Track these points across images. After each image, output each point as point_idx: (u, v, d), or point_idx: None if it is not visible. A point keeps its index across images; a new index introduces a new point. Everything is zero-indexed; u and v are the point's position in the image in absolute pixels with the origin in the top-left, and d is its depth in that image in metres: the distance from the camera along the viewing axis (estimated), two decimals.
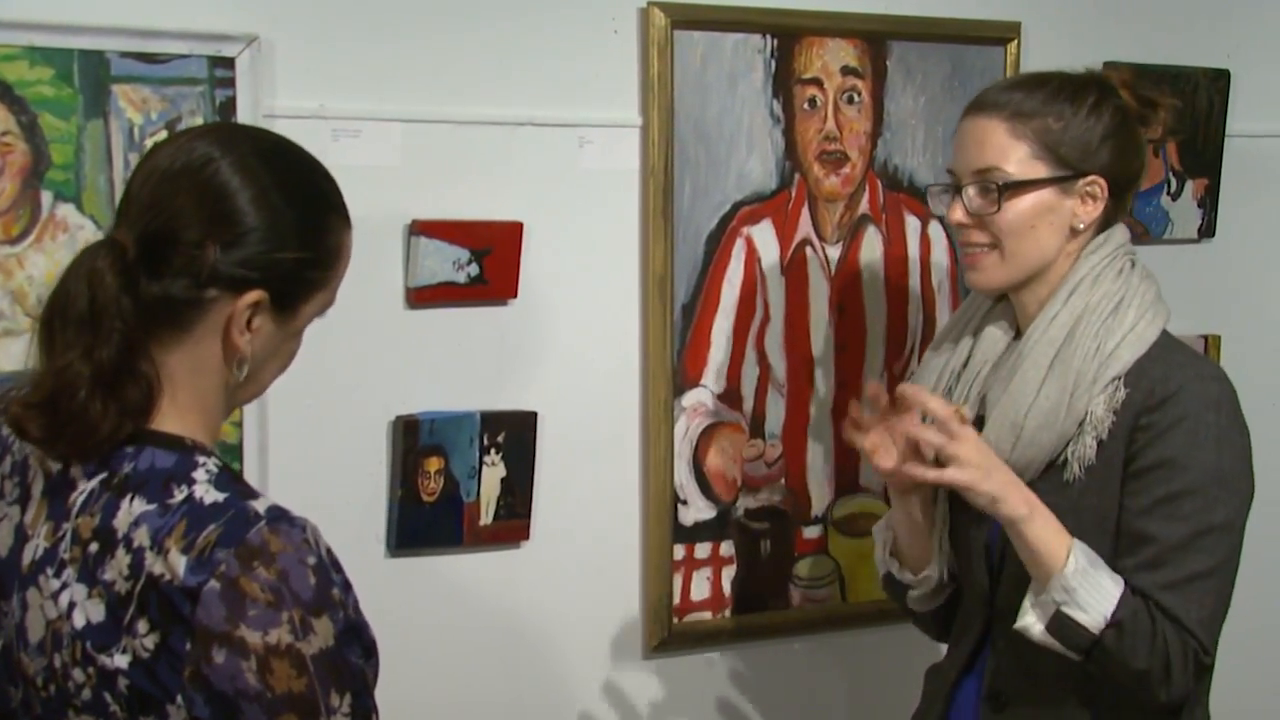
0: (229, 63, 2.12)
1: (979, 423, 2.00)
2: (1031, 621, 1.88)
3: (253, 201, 1.42)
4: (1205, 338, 2.94)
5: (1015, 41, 2.71)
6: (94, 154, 2.06)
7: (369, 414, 2.29)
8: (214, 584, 1.33)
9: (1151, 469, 1.88)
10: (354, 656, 1.39)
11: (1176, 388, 1.89)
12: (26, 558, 1.43)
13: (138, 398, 1.41)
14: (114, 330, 1.39)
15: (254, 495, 1.41)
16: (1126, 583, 1.86)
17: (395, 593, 2.29)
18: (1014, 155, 1.95)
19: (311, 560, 1.37)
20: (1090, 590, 1.84)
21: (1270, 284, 3.06)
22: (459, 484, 2.33)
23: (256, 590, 1.33)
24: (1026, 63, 2.71)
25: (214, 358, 1.46)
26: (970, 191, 1.97)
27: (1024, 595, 1.93)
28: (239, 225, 1.42)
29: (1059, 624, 1.85)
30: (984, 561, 2.03)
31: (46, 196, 2.05)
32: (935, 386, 2.09)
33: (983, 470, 1.87)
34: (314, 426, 2.24)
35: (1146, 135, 2.02)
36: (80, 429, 1.39)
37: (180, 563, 1.34)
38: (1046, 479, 1.95)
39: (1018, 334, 2.04)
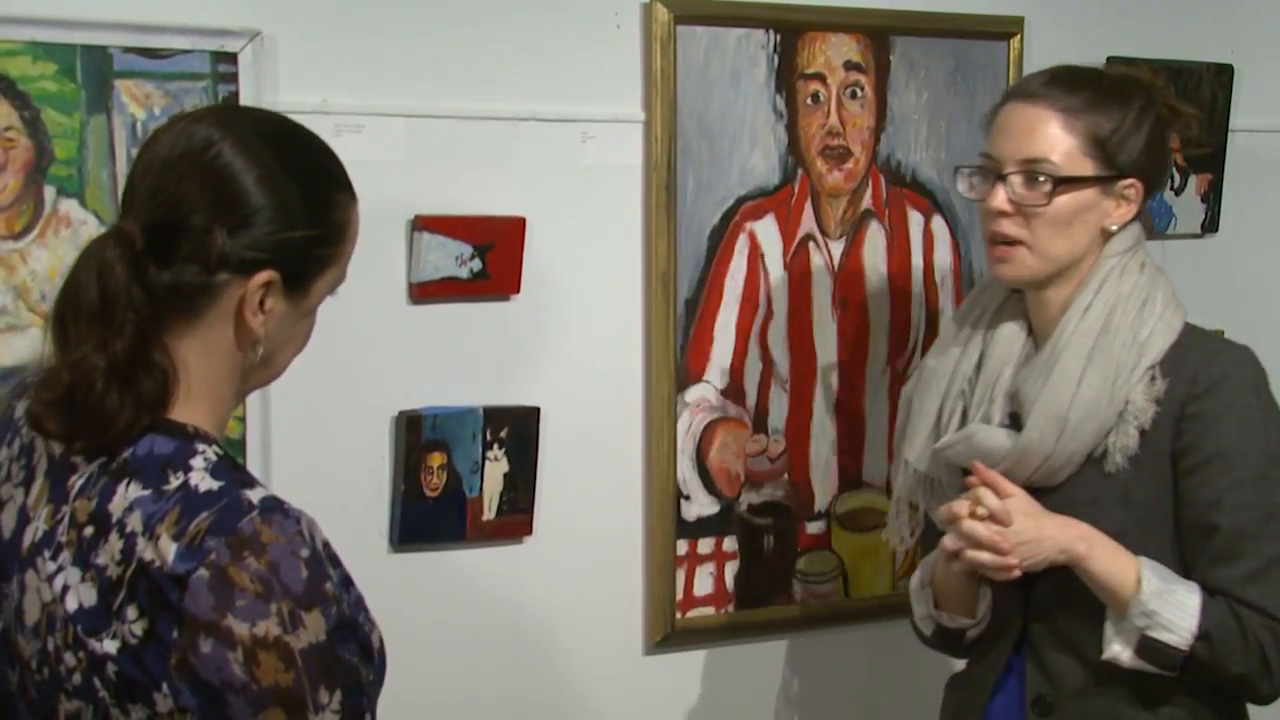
0: (232, 58, 2.12)
1: (1014, 421, 1.98)
2: (1119, 650, 1.87)
3: (258, 182, 1.42)
4: None
5: (1019, 36, 2.71)
6: (97, 149, 2.06)
7: (372, 409, 2.29)
8: (203, 572, 1.32)
9: (1209, 460, 1.88)
10: (347, 653, 1.38)
11: (1220, 374, 1.90)
12: (27, 539, 1.43)
13: (154, 389, 1.40)
14: (127, 321, 1.38)
15: (251, 485, 1.40)
16: (1203, 584, 1.86)
17: (398, 588, 2.29)
18: (1064, 149, 1.93)
19: (304, 553, 1.36)
20: (1171, 608, 1.84)
21: (1273, 279, 3.05)
22: (462, 479, 2.33)
23: (245, 580, 1.32)
24: (1030, 58, 2.71)
25: (226, 342, 1.45)
26: (1016, 180, 1.95)
27: (1062, 595, 1.93)
28: (245, 207, 1.41)
29: (1147, 648, 1.85)
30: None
31: (49, 192, 2.05)
32: (948, 390, 2.07)
33: (1033, 540, 1.88)
34: (317, 422, 2.24)
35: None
36: (98, 423, 1.39)
37: (171, 549, 1.33)
38: (1086, 472, 1.94)
39: (1030, 332, 2.03)
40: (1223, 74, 2.92)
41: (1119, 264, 1.96)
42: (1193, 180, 2.94)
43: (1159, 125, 1.98)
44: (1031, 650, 2.01)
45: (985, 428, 2.00)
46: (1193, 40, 2.89)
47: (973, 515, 1.93)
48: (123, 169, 2.06)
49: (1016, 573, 1.91)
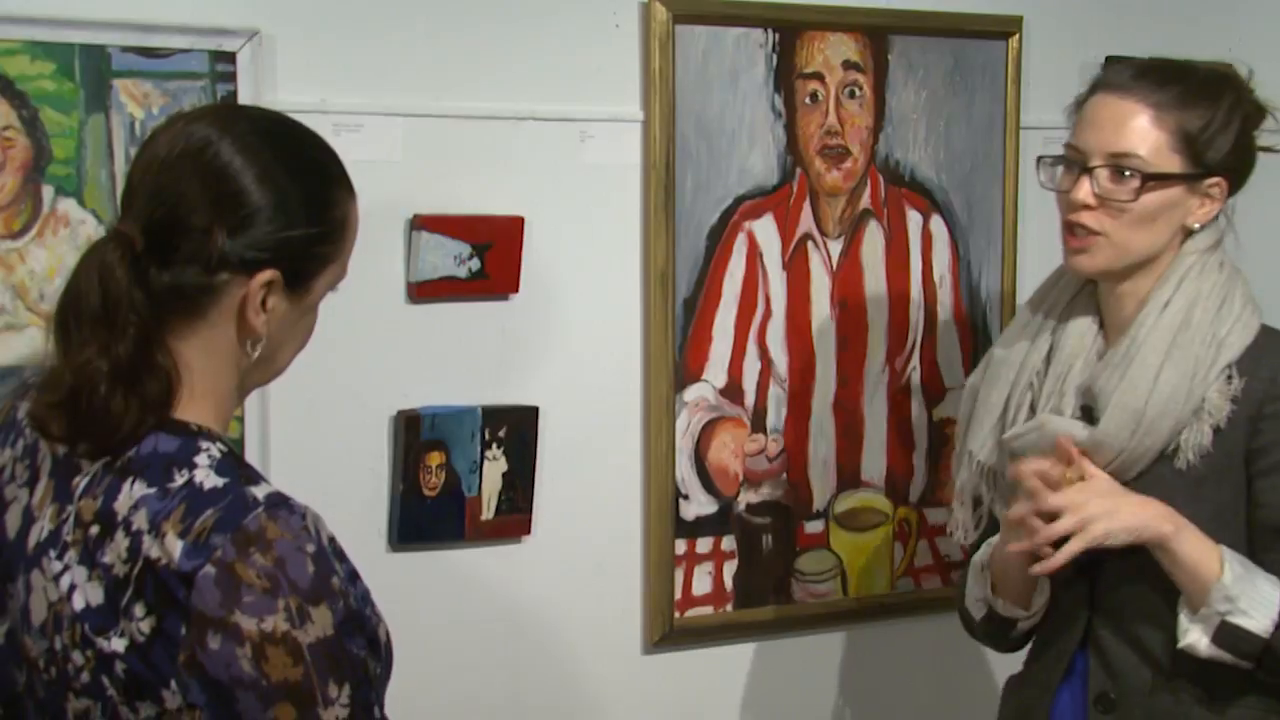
0: (230, 57, 2.12)
1: (1087, 414, 1.97)
2: (1196, 637, 1.85)
3: (256, 181, 1.41)
4: None
5: (1017, 35, 2.71)
6: (95, 148, 2.06)
7: (370, 409, 2.29)
8: (210, 569, 1.32)
9: None
10: (356, 648, 1.38)
11: None
12: (32, 540, 1.43)
13: (157, 391, 1.40)
14: (129, 324, 1.38)
15: (256, 481, 1.40)
16: None
17: (397, 587, 2.28)
18: (1153, 144, 1.90)
19: (310, 548, 1.36)
20: (1252, 595, 1.82)
21: (1266, 277, 3.04)
22: (460, 479, 2.33)
23: (252, 576, 1.33)
24: (1028, 57, 2.71)
25: (228, 341, 1.45)
26: (1102, 174, 1.92)
27: (1128, 591, 1.92)
28: (245, 206, 1.41)
29: (1226, 634, 1.83)
30: (1083, 565, 1.98)
31: (48, 191, 2.04)
32: (1016, 381, 2.05)
33: (1107, 513, 1.85)
34: (315, 421, 2.24)
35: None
36: (103, 426, 1.39)
37: (177, 547, 1.33)
38: (1157, 468, 1.93)
39: (1101, 326, 2.01)
40: None
41: (1199, 261, 1.94)
42: None
43: (1247, 123, 1.95)
44: (1095, 647, 1.99)
45: (1058, 418, 1.97)
46: (1191, 38, 2.88)
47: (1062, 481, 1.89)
48: (121, 168, 2.06)
49: (1083, 537, 1.85)
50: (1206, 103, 1.92)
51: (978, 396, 2.12)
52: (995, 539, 2.09)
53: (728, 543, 2.56)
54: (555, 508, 2.42)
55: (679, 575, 2.53)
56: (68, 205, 2.05)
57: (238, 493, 1.37)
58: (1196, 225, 1.94)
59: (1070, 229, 1.96)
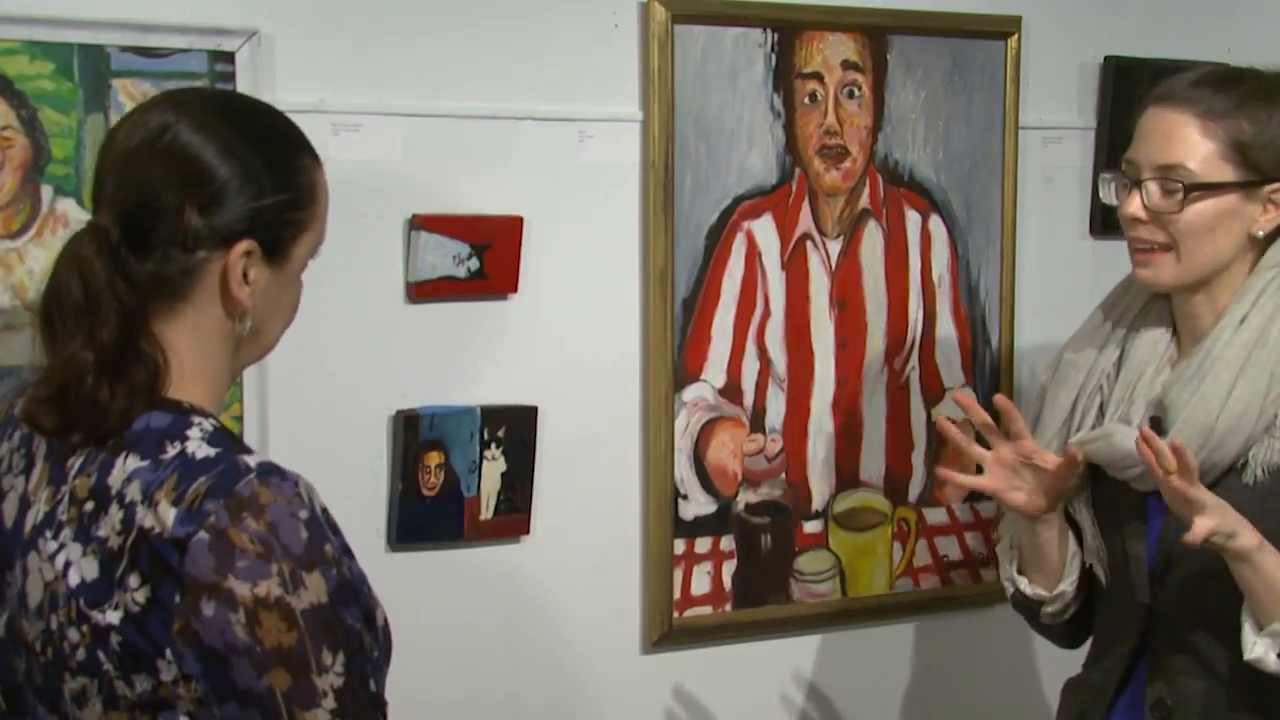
0: (229, 57, 2.12)
1: (1156, 425, 1.95)
2: (1263, 652, 1.83)
3: (219, 156, 1.43)
4: None
5: (1016, 35, 2.71)
6: (94, 148, 2.05)
7: (369, 408, 2.29)
8: (203, 535, 1.34)
9: None
10: (350, 618, 1.39)
11: None
12: (29, 523, 1.45)
13: (145, 377, 1.42)
14: (111, 313, 1.40)
15: (248, 451, 1.42)
16: None
17: (396, 587, 2.26)
18: (1201, 154, 1.89)
19: (303, 514, 1.37)
20: None
21: None
22: (459, 478, 2.33)
23: (245, 541, 1.34)
24: (1027, 57, 2.71)
25: (216, 320, 1.47)
26: (1152, 187, 1.92)
27: (1189, 600, 1.91)
28: (212, 182, 1.43)
29: None
30: (1144, 572, 1.99)
31: (47, 191, 2.05)
32: (1084, 385, 2.04)
33: (1220, 509, 1.82)
34: (314, 421, 2.24)
35: None
36: (92, 415, 1.40)
37: (170, 514, 1.35)
38: (1226, 482, 1.91)
39: (1174, 334, 2.00)
40: None
41: (1278, 275, 1.92)
42: None
43: None
44: (1152, 655, 1.98)
45: (1124, 428, 1.96)
46: (1190, 39, 2.89)
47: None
48: None
49: (1210, 524, 1.79)
50: (1262, 108, 1.90)
51: (1045, 397, 2.11)
52: (1011, 519, 2.09)
53: (726, 542, 2.56)
54: (554, 507, 2.42)
55: (678, 575, 2.53)
56: (67, 205, 2.05)
57: (230, 460, 1.38)
58: (1261, 233, 1.92)
59: (1132, 244, 1.96)
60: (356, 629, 1.40)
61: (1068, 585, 2.06)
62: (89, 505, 1.39)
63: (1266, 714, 1.91)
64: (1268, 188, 1.91)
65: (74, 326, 1.40)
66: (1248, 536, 1.82)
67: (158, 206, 1.42)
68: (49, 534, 1.42)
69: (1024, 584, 2.09)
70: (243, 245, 1.44)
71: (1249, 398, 1.88)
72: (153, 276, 1.43)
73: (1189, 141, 1.90)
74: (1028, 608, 2.13)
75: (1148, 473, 1.90)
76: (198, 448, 1.39)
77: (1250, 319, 1.91)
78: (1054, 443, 2.06)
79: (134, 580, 1.36)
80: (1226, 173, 1.90)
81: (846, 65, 2.58)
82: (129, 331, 1.41)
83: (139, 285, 1.42)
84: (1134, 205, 1.93)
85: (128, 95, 2.07)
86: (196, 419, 1.43)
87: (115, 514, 1.37)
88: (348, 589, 1.40)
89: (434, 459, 2.30)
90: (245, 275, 1.45)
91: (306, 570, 1.35)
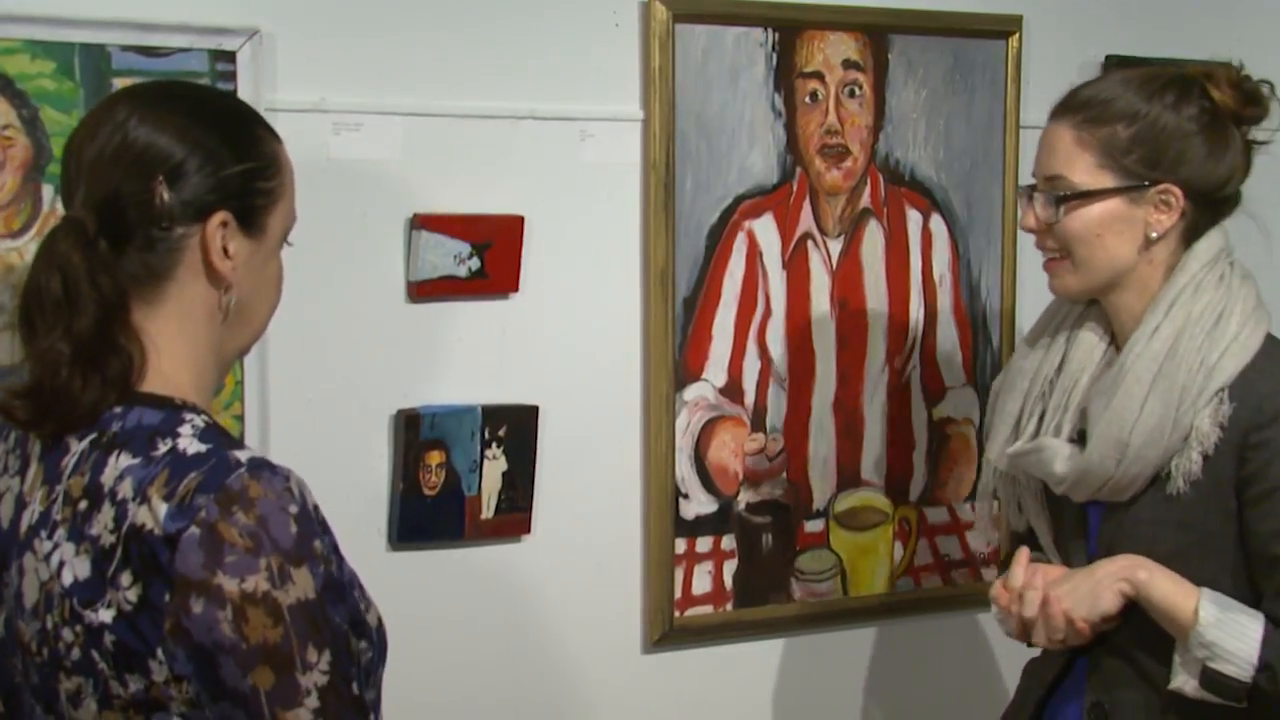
0: (230, 56, 2.12)
1: (1081, 438, 1.96)
2: (1184, 680, 1.84)
3: (174, 138, 1.46)
4: None
5: (1017, 35, 2.71)
6: None
7: (370, 408, 2.29)
8: (194, 530, 1.34)
9: (1272, 492, 1.85)
10: (337, 617, 1.39)
11: None
12: (24, 524, 1.45)
13: (119, 369, 1.43)
14: (90, 304, 1.41)
15: (239, 447, 1.42)
16: (1270, 615, 1.83)
17: (396, 586, 2.28)
18: (1080, 164, 1.92)
19: (293, 509, 1.38)
20: (1230, 639, 1.81)
21: (1263, 281, 3.04)
22: (460, 478, 2.33)
23: (235, 535, 1.34)
24: (1028, 56, 2.71)
25: (200, 298, 1.48)
26: (1039, 199, 1.95)
27: (1126, 615, 1.91)
28: (171, 161, 1.45)
29: (1209, 679, 1.82)
30: None
31: (48, 190, 2.04)
32: (1029, 391, 2.05)
33: (1087, 583, 1.90)
34: (315, 420, 2.24)
35: (1252, 133, 1.95)
36: (63, 406, 1.42)
37: (161, 510, 1.35)
38: (1149, 494, 1.92)
39: (1113, 339, 2.01)
40: None
41: (1194, 280, 1.91)
42: None
43: (1210, 120, 1.92)
44: (1091, 660, 2.00)
45: (1053, 442, 1.98)
46: (1192, 38, 2.89)
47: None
48: None
49: (1088, 632, 1.91)
50: (1139, 109, 1.91)
51: (996, 403, 2.13)
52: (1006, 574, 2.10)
53: (728, 542, 2.56)
54: (555, 507, 2.42)
55: (679, 574, 2.53)
56: None
57: (220, 455, 1.39)
58: (1156, 234, 1.92)
59: (1042, 253, 2.00)
60: (344, 629, 1.40)
61: None
62: (82, 504, 1.40)
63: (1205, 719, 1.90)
64: (1154, 189, 1.91)
65: (52, 320, 1.42)
66: (1134, 580, 1.88)
67: (127, 193, 1.44)
68: (44, 534, 1.42)
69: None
70: (217, 217, 1.47)
71: (1162, 411, 1.88)
72: (136, 263, 1.45)
73: (1067, 153, 1.93)
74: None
75: (1078, 485, 1.95)
76: (189, 444, 1.40)
77: (1162, 330, 1.91)
78: (1004, 450, 2.08)
79: (125, 579, 1.36)
80: (1105, 179, 1.91)
81: (847, 64, 2.58)
82: (106, 323, 1.43)
83: (119, 272, 1.44)
84: (1027, 218, 1.98)
85: None
86: (189, 415, 1.44)
87: (107, 512, 1.38)
88: (336, 588, 1.40)
89: (435, 458, 2.30)
90: (226, 250, 1.47)
91: (295, 565, 1.36)
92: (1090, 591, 1.90)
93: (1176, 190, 1.91)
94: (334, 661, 1.37)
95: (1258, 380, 1.87)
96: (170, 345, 1.47)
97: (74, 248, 1.42)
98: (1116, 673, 1.97)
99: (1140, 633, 1.93)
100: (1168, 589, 1.86)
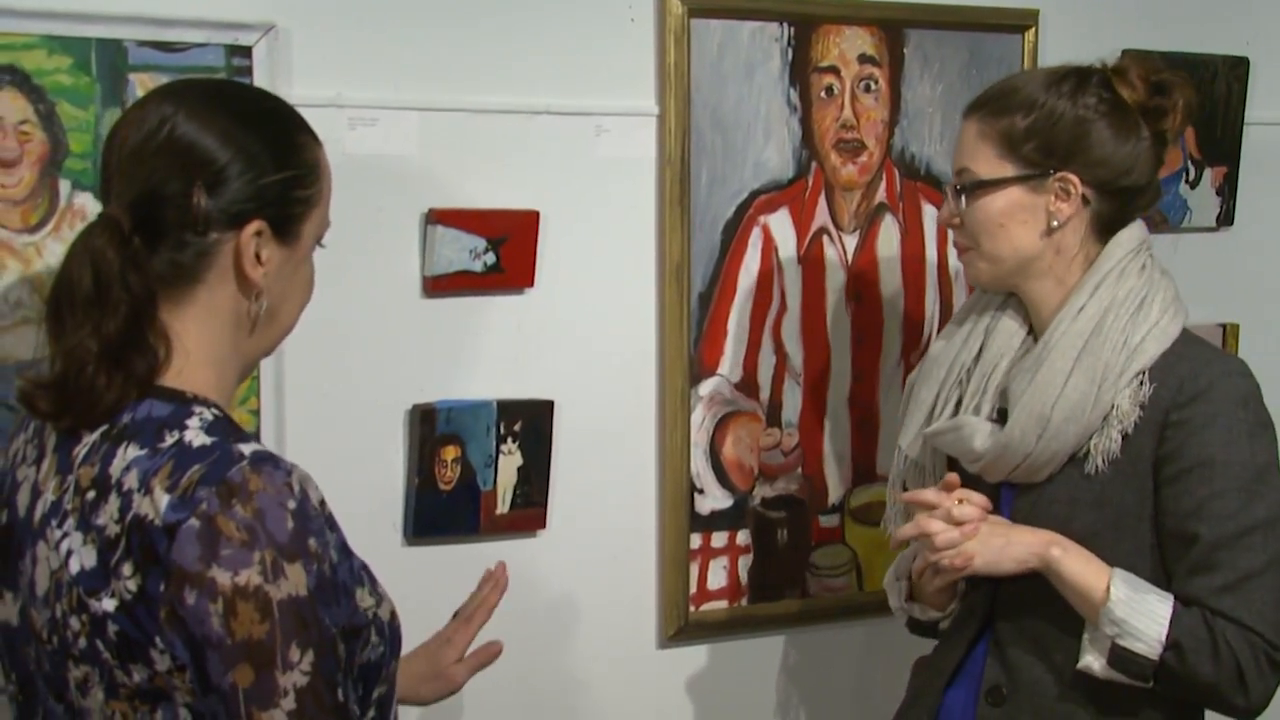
0: (246, 51, 2.12)
1: (1002, 416, 1.99)
2: (1092, 659, 1.86)
3: (218, 141, 1.45)
4: (1224, 326, 2.92)
5: (1033, 29, 2.70)
6: None
7: (386, 403, 2.29)
8: (193, 522, 1.35)
9: (1190, 470, 1.86)
10: (329, 619, 1.39)
11: (1206, 384, 1.88)
12: (38, 512, 1.46)
13: (144, 368, 1.44)
14: (121, 303, 1.42)
15: (246, 440, 1.42)
16: (1180, 594, 1.85)
17: (412, 581, 2.28)
18: (981, 156, 1.96)
19: (291, 504, 1.38)
20: (1139, 617, 1.83)
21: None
22: (476, 472, 2.33)
23: (232, 528, 1.35)
24: (1044, 50, 2.70)
25: (228, 302, 1.49)
26: (950, 193, 2.01)
27: (1032, 596, 1.93)
28: (214, 165, 1.45)
29: (1117, 658, 1.84)
30: None
31: (65, 185, 2.05)
32: (945, 380, 2.08)
33: (1001, 542, 1.90)
34: (331, 415, 2.24)
35: (1161, 126, 1.97)
36: (86, 401, 1.42)
37: (164, 501, 1.36)
38: (1067, 471, 1.94)
39: (1030, 329, 2.03)
40: (1238, 67, 2.91)
41: (1119, 265, 1.95)
42: (1208, 173, 2.93)
43: (1109, 110, 1.94)
44: (994, 644, 2.02)
45: (973, 419, 2.01)
46: (1208, 33, 2.88)
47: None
48: None
49: (976, 564, 1.92)
50: (1036, 100, 1.94)
51: (912, 392, 2.16)
52: (907, 552, 2.14)
53: (743, 537, 2.57)
54: (570, 502, 2.42)
55: (694, 569, 2.53)
56: (85, 199, 2.05)
57: (224, 449, 1.39)
58: (1057, 222, 1.94)
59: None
60: (332, 633, 1.39)
61: (958, 601, 2.09)
62: (91, 494, 1.41)
63: (1100, 706, 1.92)
64: (1053, 178, 1.94)
65: (82, 317, 1.42)
66: (1042, 556, 1.88)
67: (165, 193, 1.44)
68: (55, 523, 1.43)
69: (916, 609, 2.14)
70: (253, 225, 1.46)
71: (1085, 387, 1.91)
72: (166, 262, 1.45)
73: (971, 145, 1.98)
74: (923, 628, 2.17)
75: (996, 463, 1.97)
76: (195, 436, 1.41)
77: (1087, 309, 1.94)
78: (918, 438, 2.11)
79: (127, 569, 1.37)
80: (1005, 169, 1.95)
81: (863, 59, 2.57)
82: (136, 321, 1.43)
83: (151, 271, 1.44)
84: (943, 211, 2.04)
85: (145, 90, 2.06)
86: (198, 408, 1.44)
87: (113, 502, 1.39)
88: (331, 589, 1.40)
89: (450, 453, 2.31)
90: (259, 256, 1.47)
91: (288, 560, 1.36)
92: (999, 549, 1.91)
93: (1074, 179, 1.94)
94: (317, 663, 1.37)
95: (1178, 364, 1.91)
96: (195, 346, 1.47)
97: (109, 244, 1.42)
98: (1018, 658, 1.98)
99: (1047, 613, 1.94)
100: (1080, 568, 1.88)
